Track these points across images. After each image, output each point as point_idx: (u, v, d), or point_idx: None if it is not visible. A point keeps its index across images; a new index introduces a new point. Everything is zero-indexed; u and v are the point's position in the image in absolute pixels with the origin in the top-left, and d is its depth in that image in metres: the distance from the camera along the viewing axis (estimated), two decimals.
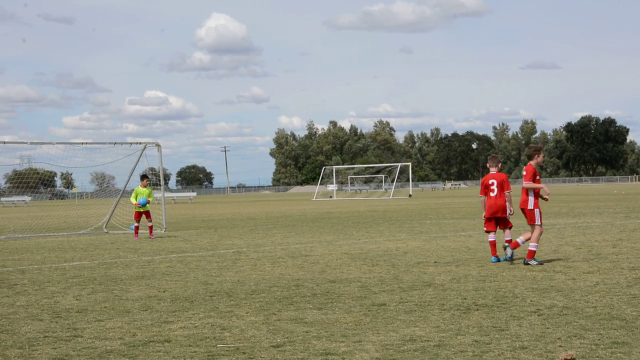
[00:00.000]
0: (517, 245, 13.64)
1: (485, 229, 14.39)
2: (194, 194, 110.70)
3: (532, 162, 13.84)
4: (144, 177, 24.14)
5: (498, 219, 14.17)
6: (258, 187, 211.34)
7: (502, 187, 14.09)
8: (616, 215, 28.63)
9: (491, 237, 14.21)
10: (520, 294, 10.22)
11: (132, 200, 23.63)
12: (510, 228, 14.22)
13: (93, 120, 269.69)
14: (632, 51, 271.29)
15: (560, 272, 12.25)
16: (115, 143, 29.01)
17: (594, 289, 10.45)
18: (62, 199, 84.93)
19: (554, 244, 17.14)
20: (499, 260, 13.82)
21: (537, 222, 13.56)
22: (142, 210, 23.37)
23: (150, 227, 23.52)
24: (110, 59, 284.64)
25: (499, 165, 14.44)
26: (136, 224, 23.53)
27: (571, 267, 12.93)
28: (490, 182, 14.19)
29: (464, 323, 8.36)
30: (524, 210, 13.77)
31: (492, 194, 14.14)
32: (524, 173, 13.84)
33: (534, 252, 13.43)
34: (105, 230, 27.51)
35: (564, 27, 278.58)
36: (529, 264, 13.27)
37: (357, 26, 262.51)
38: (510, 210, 14.11)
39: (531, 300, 9.65)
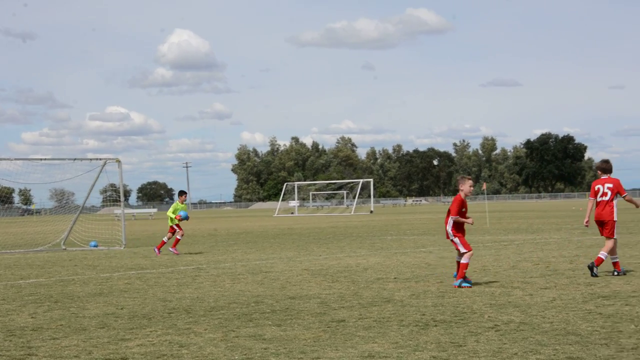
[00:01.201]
0: (601, 260, 13.80)
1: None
2: (155, 210, 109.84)
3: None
4: (182, 192, 23.93)
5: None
6: (220, 203, 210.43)
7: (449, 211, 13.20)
8: (573, 232, 28.99)
9: (458, 257, 13.12)
10: (479, 309, 10.30)
11: (171, 214, 23.19)
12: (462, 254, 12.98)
13: (53, 136, 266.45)
14: (591, 70, 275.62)
15: (518, 288, 12.36)
16: (75, 159, 28.75)
17: (551, 304, 10.56)
18: (35, 214, 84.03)
19: (512, 260, 17.29)
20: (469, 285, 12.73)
21: (615, 235, 13.95)
22: (176, 224, 22.99)
23: (178, 240, 23.08)
24: (71, 75, 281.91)
25: (460, 184, 13.30)
26: (178, 236, 23.03)
27: (529, 282, 13.06)
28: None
29: (422, 339, 8.40)
30: (607, 221, 13.90)
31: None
32: (611, 185, 13.94)
33: (618, 262, 13.95)
34: (64, 247, 27.19)
35: (525, 44, 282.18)
36: (618, 274, 13.69)
37: (320, 43, 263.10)
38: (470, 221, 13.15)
39: (489, 316, 9.72)
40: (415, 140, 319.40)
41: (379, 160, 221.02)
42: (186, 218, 23.12)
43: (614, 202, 13.95)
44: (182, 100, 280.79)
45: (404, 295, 11.89)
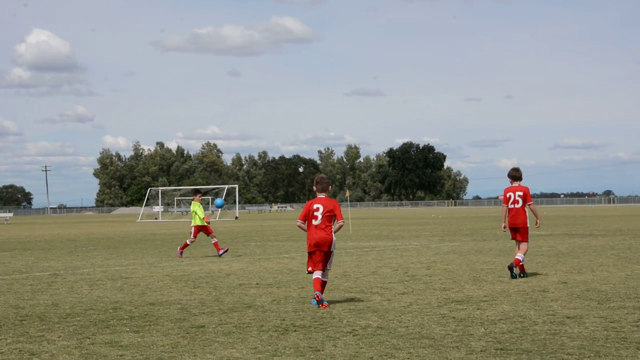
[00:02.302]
0: (519, 261, 14.53)
1: (309, 268, 11.57)
2: (11, 214, 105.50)
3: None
4: (197, 191, 23.01)
5: (323, 253, 11.46)
6: (80, 208, 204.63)
7: (331, 215, 11.53)
8: (432, 238, 29.86)
9: (316, 274, 11.41)
10: (338, 314, 10.45)
11: (200, 213, 21.92)
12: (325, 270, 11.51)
13: None
14: (449, 82, 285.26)
15: (377, 294, 12.62)
16: None
17: (407, 309, 10.84)
18: None
19: (372, 266, 17.64)
20: (326, 303, 11.20)
21: (529, 239, 15.04)
22: (201, 224, 21.91)
23: (187, 245, 22.03)
24: None
25: (329, 189, 11.86)
26: (188, 241, 22.01)
27: (387, 288, 13.35)
28: (315, 207, 11.63)
29: (281, 344, 8.44)
30: (521, 227, 14.66)
31: (315, 222, 11.57)
32: (521, 193, 14.72)
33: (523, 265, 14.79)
34: None
35: (388, 56, 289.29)
36: (524, 276, 14.48)
37: (186, 48, 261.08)
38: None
39: (347, 321, 9.88)
40: (281, 147, 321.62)
41: (244, 167, 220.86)
42: (222, 205, 22.33)
43: (526, 208, 14.80)
44: (42, 102, 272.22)
45: (265, 301, 11.92)
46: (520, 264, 14.60)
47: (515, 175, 14.98)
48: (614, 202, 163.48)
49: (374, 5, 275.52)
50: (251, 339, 8.79)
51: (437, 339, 8.58)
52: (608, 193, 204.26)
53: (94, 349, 8.30)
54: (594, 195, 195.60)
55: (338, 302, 11.67)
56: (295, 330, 9.26)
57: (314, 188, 11.89)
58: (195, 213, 22.15)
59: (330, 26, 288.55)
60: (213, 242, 22.04)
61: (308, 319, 10.08)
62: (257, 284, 14.41)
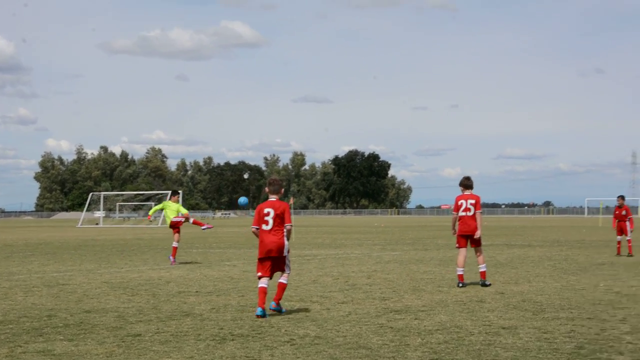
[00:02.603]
0: (485, 273, 15.13)
1: (258, 273, 11.37)
2: None
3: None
4: (176, 192, 22.65)
5: (274, 260, 11.31)
6: (19, 212, 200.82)
7: (281, 219, 11.30)
8: (374, 247, 30.01)
9: (262, 283, 11.17)
10: (276, 323, 10.43)
11: (170, 211, 21.63)
12: (285, 272, 11.44)
13: None
14: (397, 90, 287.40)
15: (317, 302, 12.63)
16: None
17: (346, 318, 10.87)
18: None
19: (314, 274, 17.65)
20: (264, 315, 10.93)
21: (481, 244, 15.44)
22: (174, 221, 21.63)
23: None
24: None
25: (281, 192, 11.57)
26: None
27: (327, 297, 13.38)
28: (265, 211, 11.42)
29: (217, 353, 8.40)
30: (474, 236, 14.98)
31: (265, 227, 11.30)
32: (473, 201, 15.00)
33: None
34: None
35: (336, 63, 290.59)
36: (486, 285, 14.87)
37: (133, 51, 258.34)
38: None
39: (286, 330, 9.87)
40: (227, 153, 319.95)
41: (189, 172, 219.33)
42: (245, 204, 22.00)
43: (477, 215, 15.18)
44: None
45: (204, 309, 11.84)
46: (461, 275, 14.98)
47: (467, 184, 15.38)
48: (552, 213, 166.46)
49: (323, 11, 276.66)
50: (187, 347, 8.72)
51: (374, 349, 8.62)
52: (547, 204, 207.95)
53: (26, 358, 8.15)
54: (534, 205, 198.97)
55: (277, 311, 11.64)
56: (232, 339, 9.22)
57: (266, 189, 11.57)
58: (166, 212, 21.92)
59: (280, 32, 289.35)
60: (173, 245, 21.72)
61: (246, 328, 10.05)
62: (197, 291, 14.31)
